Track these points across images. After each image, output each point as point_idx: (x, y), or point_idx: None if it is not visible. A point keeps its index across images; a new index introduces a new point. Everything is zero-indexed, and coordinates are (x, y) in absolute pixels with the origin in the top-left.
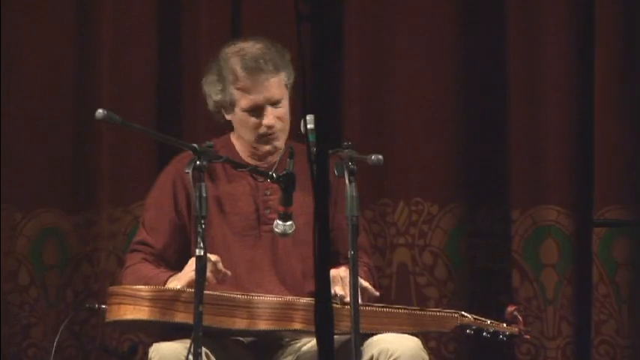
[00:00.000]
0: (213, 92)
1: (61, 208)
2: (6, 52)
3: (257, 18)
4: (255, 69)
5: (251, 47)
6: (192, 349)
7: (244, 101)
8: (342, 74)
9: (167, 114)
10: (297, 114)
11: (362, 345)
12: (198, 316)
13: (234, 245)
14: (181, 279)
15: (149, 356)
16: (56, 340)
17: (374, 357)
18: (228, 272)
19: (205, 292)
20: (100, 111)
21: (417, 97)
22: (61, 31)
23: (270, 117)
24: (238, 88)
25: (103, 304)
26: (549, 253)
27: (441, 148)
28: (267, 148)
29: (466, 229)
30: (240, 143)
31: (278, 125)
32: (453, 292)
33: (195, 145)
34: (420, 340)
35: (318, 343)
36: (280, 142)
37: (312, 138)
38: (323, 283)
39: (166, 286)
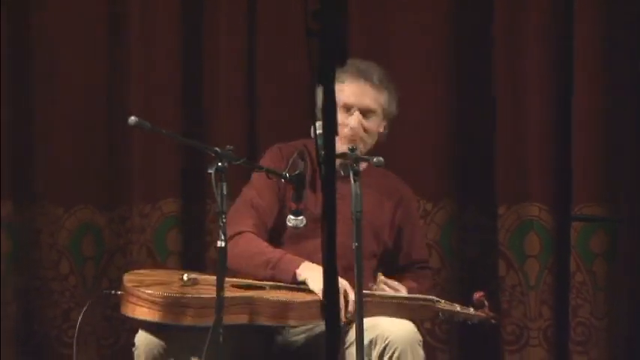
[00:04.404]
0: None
1: (97, 205)
2: (43, 56)
3: (272, 24)
4: (361, 73)
5: (370, 63)
6: (209, 337)
7: (339, 97)
8: None
9: (191, 116)
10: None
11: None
12: (220, 302)
13: (301, 235)
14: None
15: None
16: (79, 321)
17: (373, 341)
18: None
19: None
20: (132, 118)
21: (414, 108)
22: (93, 35)
23: (356, 120)
24: (340, 85)
25: (119, 291)
26: (532, 245)
27: (435, 151)
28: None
29: (457, 223)
30: None
31: (361, 133)
32: (446, 280)
33: (217, 148)
34: (416, 324)
35: (326, 326)
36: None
37: (320, 142)
38: (330, 273)
39: (298, 271)
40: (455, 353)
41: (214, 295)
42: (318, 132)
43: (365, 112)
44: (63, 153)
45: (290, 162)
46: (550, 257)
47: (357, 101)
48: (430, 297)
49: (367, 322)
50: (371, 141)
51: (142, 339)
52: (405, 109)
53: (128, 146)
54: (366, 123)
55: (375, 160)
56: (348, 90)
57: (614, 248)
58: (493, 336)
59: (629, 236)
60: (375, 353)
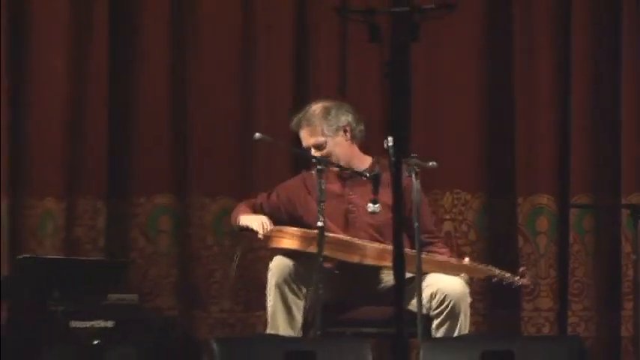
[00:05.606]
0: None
1: (232, 195)
2: (199, 81)
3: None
4: (299, 122)
5: (305, 108)
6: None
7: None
8: (410, 109)
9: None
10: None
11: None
12: (318, 268)
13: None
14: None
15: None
16: (235, 267)
17: (433, 294)
18: (270, 227)
19: (332, 235)
20: (257, 135)
21: (456, 123)
22: (230, 67)
23: (312, 156)
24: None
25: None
26: (542, 225)
27: (472, 156)
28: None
29: (489, 209)
30: None
31: (325, 160)
32: (481, 250)
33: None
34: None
35: (395, 280)
36: (334, 167)
37: (391, 151)
38: (398, 244)
39: (238, 218)
40: (488, 302)
41: (333, 235)
42: (390, 144)
43: (316, 147)
44: (209, 156)
45: (370, 162)
46: (555, 233)
47: (306, 143)
48: (489, 267)
49: (430, 278)
50: (342, 155)
51: (277, 260)
52: (452, 130)
53: (256, 151)
54: (323, 152)
55: (430, 164)
56: (301, 137)
57: (599, 227)
58: (515, 289)
59: (609, 218)
60: (434, 302)
